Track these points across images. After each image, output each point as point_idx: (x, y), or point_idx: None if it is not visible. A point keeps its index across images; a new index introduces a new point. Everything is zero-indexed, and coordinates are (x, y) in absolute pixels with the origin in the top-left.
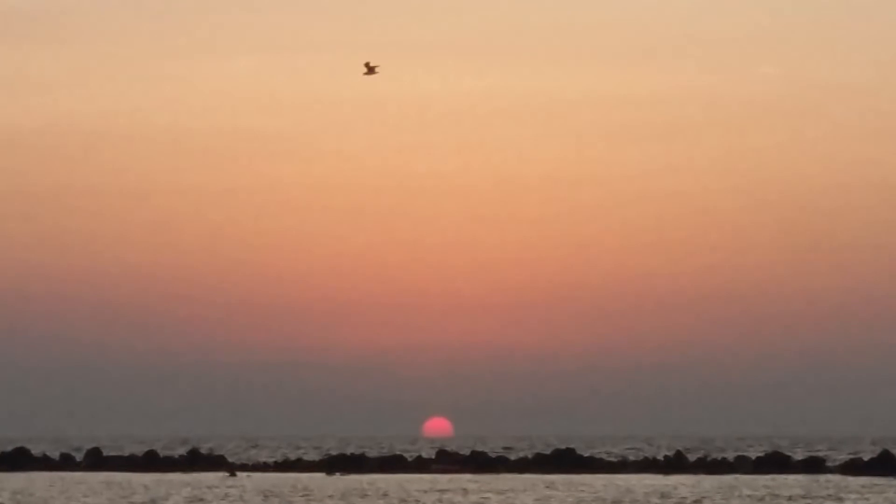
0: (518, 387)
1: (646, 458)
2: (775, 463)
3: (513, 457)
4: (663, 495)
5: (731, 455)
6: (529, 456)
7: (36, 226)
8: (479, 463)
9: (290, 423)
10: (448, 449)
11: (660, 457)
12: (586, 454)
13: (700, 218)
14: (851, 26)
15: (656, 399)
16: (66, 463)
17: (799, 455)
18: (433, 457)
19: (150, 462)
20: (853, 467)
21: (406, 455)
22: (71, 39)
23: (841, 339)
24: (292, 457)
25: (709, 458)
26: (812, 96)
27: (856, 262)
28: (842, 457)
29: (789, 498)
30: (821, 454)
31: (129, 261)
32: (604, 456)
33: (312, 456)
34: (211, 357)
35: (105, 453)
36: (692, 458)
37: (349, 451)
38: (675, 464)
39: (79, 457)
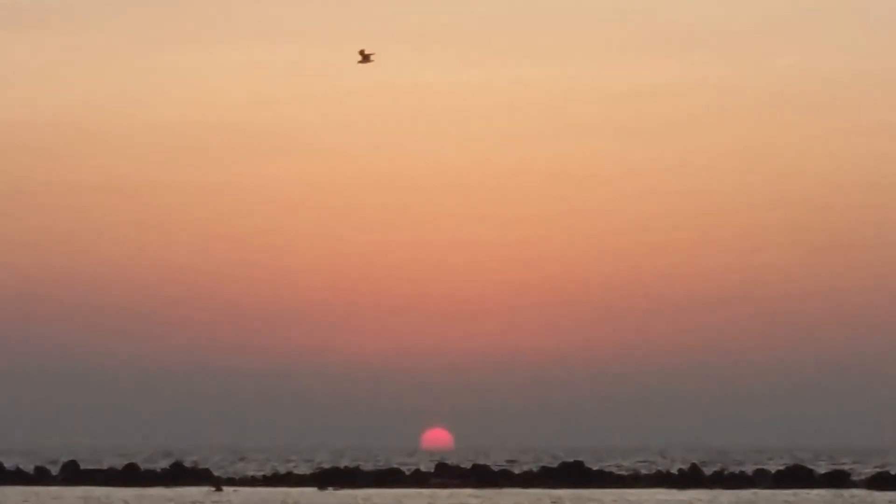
0: (523, 395)
1: (659, 472)
2: (797, 477)
3: (517, 470)
4: None
5: (749, 468)
6: (535, 469)
7: (14, 224)
8: (481, 477)
9: (279, 433)
10: (448, 462)
11: (674, 470)
12: (595, 467)
13: (713, 217)
14: (873, 15)
15: (669, 408)
16: (41, 477)
17: (822, 468)
18: (432, 470)
19: (131, 476)
20: (880, 481)
21: (403, 468)
22: (52, 29)
23: (865, 344)
24: (282, 470)
25: (726, 472)
26: (830, 89)
27: (878, 262)
28: (868, 470)
29: None
30: (845, 467)
31: (111, 261)
32: (614, 469)
33: (303, 469)
34: (196, 363)
35: (82, 466)
36: (708, 471)
37: (343, 464)
38: (690, 478)
39: (55, 470)
